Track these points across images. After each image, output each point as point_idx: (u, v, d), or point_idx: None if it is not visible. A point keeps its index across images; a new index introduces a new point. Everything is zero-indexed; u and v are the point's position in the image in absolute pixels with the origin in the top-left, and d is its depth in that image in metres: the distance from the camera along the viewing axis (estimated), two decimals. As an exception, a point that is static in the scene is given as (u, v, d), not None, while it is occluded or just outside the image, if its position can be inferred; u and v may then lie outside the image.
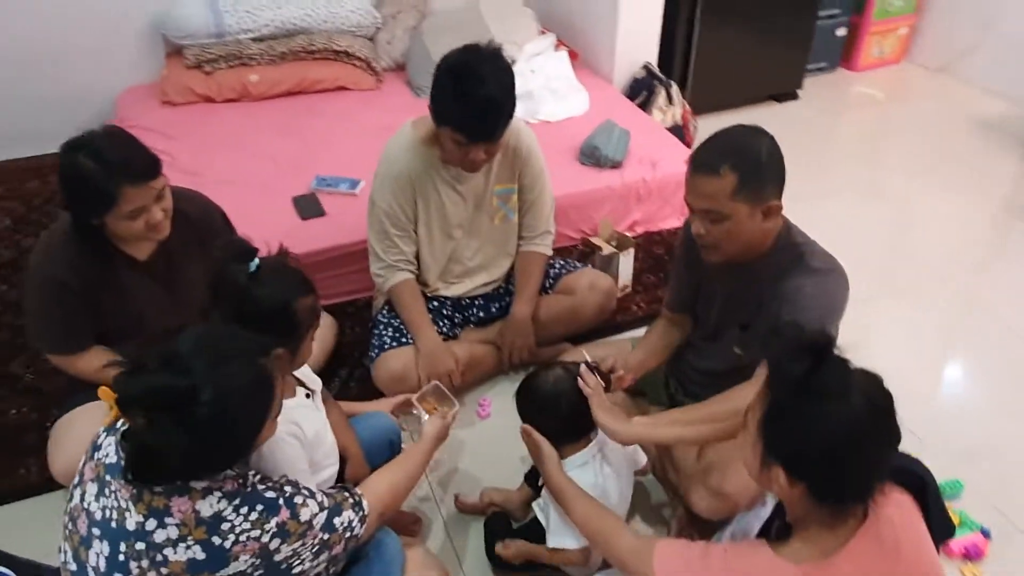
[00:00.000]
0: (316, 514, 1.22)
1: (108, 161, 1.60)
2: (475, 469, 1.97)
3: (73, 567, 1.18)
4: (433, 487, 1.91)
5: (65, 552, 1.19)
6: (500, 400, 2.15)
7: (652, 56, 3.41)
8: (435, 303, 2.19)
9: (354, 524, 1.29)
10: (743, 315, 1.59)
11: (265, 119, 3.18)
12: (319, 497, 1.25)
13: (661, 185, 2.78)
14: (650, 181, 2.76)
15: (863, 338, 2.35)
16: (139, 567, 1.10)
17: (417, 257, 2.12)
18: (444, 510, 1.86)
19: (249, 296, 1.29)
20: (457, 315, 2.21)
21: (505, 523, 1.69)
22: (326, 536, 1.24)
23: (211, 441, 1.08)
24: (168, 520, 1.10)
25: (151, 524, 1.09)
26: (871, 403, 1.03)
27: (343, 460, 1.58)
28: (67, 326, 1.75)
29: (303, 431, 1.39)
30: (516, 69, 3.21)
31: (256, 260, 1.31)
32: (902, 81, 4.26)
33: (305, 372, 1.53)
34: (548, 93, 3.12)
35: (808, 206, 3.12)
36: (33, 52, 3.27)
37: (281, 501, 1.17)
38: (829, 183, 3.30)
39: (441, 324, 2.17)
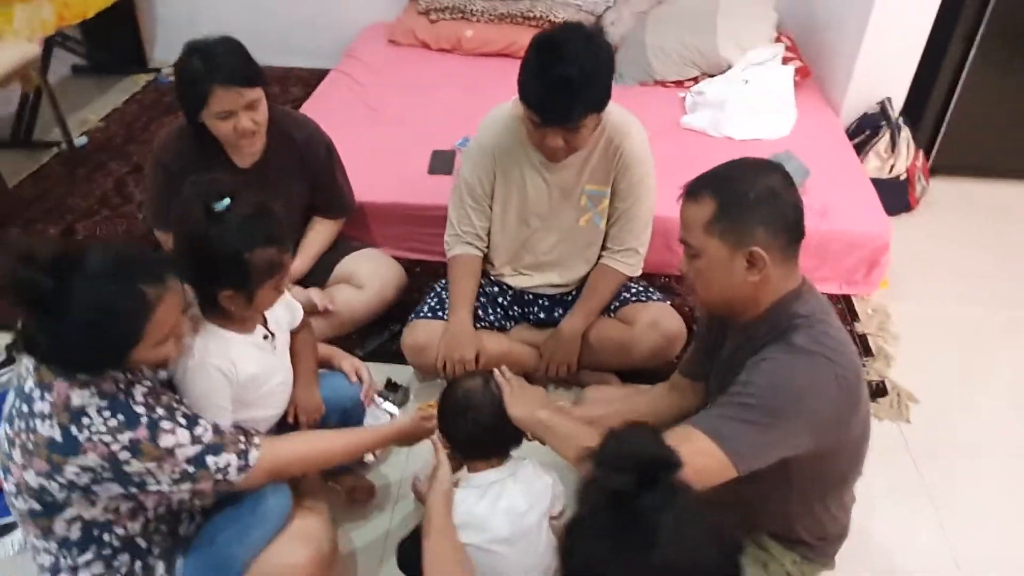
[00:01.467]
0: (182, 445, 1.22)
1: (208, 62, 1.75)
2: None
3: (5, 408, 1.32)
4: (403, 475, 1.83)
5: None
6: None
7: (898, 92, 2.83)
8: (496, 288, 2.07)
9: (230, 469, 1.28)
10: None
11: (462, 73, 3.24)
12: (200, 431, 1.25)
13: (823, 240, 2.32)
14: (808, 232, 2.30)
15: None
16: (18, 427, 1.19)
17: (490, 235, 2.02)
18: (401, 501, 1.77)
19: (203, 236, 1.29)
20: (515, 308, 2.08)
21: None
22: (192, 469, 1.24)
23: (71, 346, 1.12)
24: (47, 396, 1.16)
25: (36, 393, 1.17)
26: (676, 564, 0.75)
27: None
28: (164, 205, 1.96)
29: (236, 369, 1.39)
30: (727, 76, 2.97)
31: (225, 202, 1.30)
32: None
33: (277, 315, 1.51)
34: (745, 108, 2.75)
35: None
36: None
37: (144, 420, 1.18)
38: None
39: (492, 312, 2.05)
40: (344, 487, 1.75)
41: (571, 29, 1.66)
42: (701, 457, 1.12)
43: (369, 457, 1.82)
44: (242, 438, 1.32)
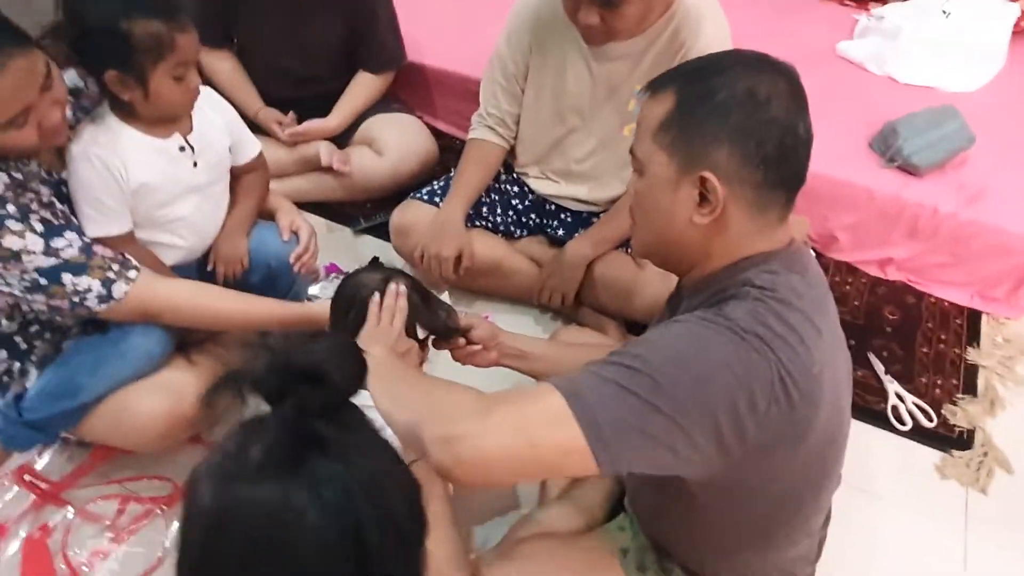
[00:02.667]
0: (31, 252, 1.12)
1: None
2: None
3: None
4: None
5: None
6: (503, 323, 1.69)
7: None
8: (515, 188, 1.77)
9: (90, 296, 1.17)
10: None
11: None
12: (60, 244, 1.14)
13: (961, 232, 1.76)
14: (945, 217, 1.75)
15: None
16: None
17: (519, 126, 1.71)
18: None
19: (76, 4, 1.14)
20: (531, 216, 1.77)
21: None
22: (44, 282, 1.14)
23: None
24: None
25: None
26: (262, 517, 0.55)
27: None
28: (203, 17, 1.83)
29: (126, 170, 1.24)
30: (919, 3, 2.29)
31: None
32: None
33: (209, 134, 1.32)
34: (926, 45, 2.12)
35: None
36: None
37: None
38: None
39: (502, 213, 1.76)
40: (276, 355, 1.61)
41: None
42: (547, 425, 0.78)
43: (315, 334, 1.66)
44: (115, 267, 1.19)
